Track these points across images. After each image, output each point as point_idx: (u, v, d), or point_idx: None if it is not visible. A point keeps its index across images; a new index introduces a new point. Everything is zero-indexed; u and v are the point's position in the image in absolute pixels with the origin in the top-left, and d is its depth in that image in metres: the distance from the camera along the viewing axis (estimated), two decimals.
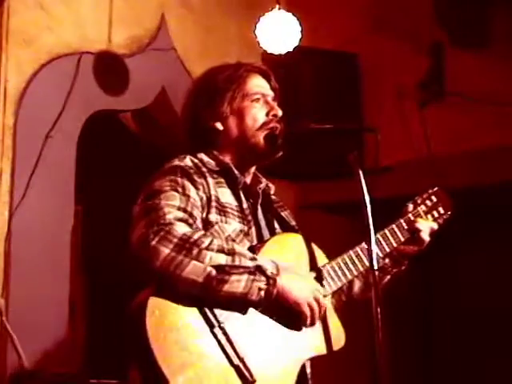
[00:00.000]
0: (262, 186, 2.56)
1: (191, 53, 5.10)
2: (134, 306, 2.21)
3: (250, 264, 2.23)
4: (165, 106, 4.96)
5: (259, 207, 2.53)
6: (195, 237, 2.19)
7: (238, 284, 2.19)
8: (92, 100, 4.52)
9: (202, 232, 2.25)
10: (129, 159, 5.65)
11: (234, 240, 2.35)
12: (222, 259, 2.19)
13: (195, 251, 2.17)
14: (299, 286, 2.30)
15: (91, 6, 4.58)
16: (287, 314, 2.31)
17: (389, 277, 2.69)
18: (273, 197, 2.64)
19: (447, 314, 6.10)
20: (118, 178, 5.59)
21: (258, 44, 5.00)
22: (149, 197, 2.31)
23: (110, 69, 4.62)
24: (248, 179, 2.54)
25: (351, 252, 2.51)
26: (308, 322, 2.32)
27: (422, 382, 6.10)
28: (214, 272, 2.17)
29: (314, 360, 2.43)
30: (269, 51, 5.05)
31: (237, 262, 2.21)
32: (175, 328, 2.18)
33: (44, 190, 4.20)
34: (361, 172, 2.34)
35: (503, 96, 5.09)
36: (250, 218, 2.44)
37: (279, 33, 4.94)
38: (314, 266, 2.46)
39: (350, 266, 2.49)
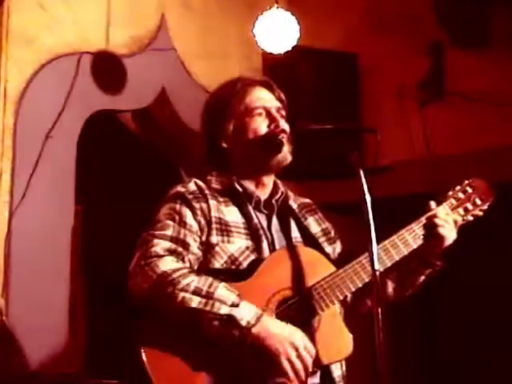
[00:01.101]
0: (278, 196, 2.54)
1: (191, 53, 5.10)
2: (132, 339, 2.26)
3: (224, 312, 2.20)
4: (165, 106, 4.96)
5: (275, 219, 2.51)
6: (174, 276, 2.22)
7: (208, 328, 2.20)
8: (92, 100, 4.52)
9: (186, 270, 2.26)
10: (128, 159, 5.65)
11: (236, 259, 2.35)
12: (195, 302, 2.20)
13: (169, 290, 2.20)
14: (281, 334, 2.23)
15: (91, 6, 4.58)
16: (267, 362, 2.25)
17: (423, 277, 2.62)
18: (304, 200, 2.64)
19: (450, 314, 6.09)
20: (117, 178, 5.59)
21: (257, 43, 4.99)
22: (150, 226, 2.37)
23: (109, 69, 4.62)
24: (263, 191, 2.53)
25: (361, 258, 2.44)
26: (290, 376, 2.23)
27: (424, 382, 6.10)
28: (183, 314, 2.20)
29: None
30: (267, 51, 5.03)
31: (208, 308, 2.20)
32: (169, 349, 2.20)
33: (44, 190, 4.19)
34: (361, 172, 2.34)
35: (503, 96, 5.09)
36: (260, 232, 2.43)
37: (277, 32, 4.92)
38: (316, 276, 2.41)
39: (360, 271, 2.43)
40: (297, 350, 2.23)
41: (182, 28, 5.07)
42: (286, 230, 2.51)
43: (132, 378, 2.25)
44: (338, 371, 2.42)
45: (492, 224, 5.55)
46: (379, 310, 2.20)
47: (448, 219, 2.56)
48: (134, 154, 5.57)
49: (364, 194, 2.31)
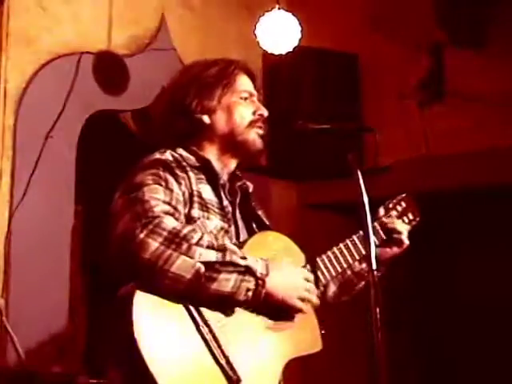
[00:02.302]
0: (241, 183, 2.54)
1: (191, 53, 5.09)
2: (119, 300, 2.20)
3: (241, 263, 2.20)
4: None
5: (237, 206, 2.51)
6: (185, 231, 2.15)
7: (226, 283, 2.16)
8: (92, 100, 4.52)
9: (191, 227, 2.21)
10: (129, 159, 5.64)
11: (215, 236, 2.32)
12: (213, 256, 2.15)
13: (185, 246, 2.12)
14: (286, 284, 2.29)
15: (91, 6, 4.59)
16: (277, 310, 2.30)
17: (363, 283, 2.68)
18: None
19: (447, 313, 6.10)
20: (117, 178, 5.59)
21: (258, 44, 5.00)
22: (131, 190, 2.28)
23: (109, 69, 4.63)
24: (226, 177, 2.52)
25: (347, 241, 2.53)
26: (304, 309, 2.33)
27: (422, 382, 6.10)
28: (202, 269, 2.13)
29: (312, 359, 2.42)
30: (269, 51, 5.05)
31: (227, 259, 2.17)
32: (161, 325, 2.15)
33: (44, 190, 4.20)
34: (359, 172, 2.34)
35: (503, 96, 5.09)
36: (229, 215, 2.43)
37: (279, 33, 4.94)
38: (299, 261, 2.46)
39: (346, 254, 2.52)
40: (303, 287, 2.32)
41: (182, 28, 5.08)
42: (247, 219, 2.52)
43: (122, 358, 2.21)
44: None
45: (492, 224, 5.57)
46: (377, 310, 2.21)
47: (403, 226, 2.68)
48: (134, 154, 5.56)
49: (361, 195, 2.31)
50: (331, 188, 5.45)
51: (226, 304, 2.21)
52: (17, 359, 3.78)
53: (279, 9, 4.97)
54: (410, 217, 2.76)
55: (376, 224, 2.65)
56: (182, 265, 2.11)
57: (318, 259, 2.51)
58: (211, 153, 2.49)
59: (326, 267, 2.51)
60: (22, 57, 4.23)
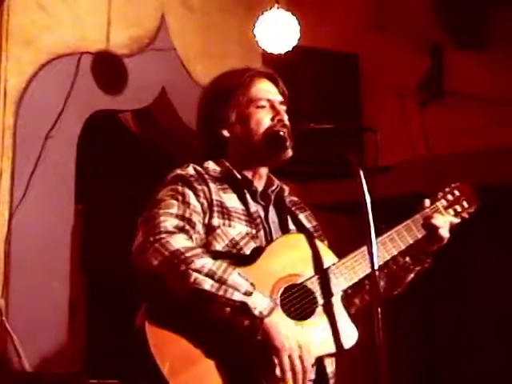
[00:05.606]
0: (274, 188, 2.55)
1: (191, 53, 5.10)
2: (136, 320, 2.23)
3: (237, 298, 2.16)
4: (165, 106, 4.96)
5: (272, 210, 2.52)
6: (188, 254, 2.17)
7: (221, 312, 2.16)
8: (92, 100, 4.52)
9: (199, 250, 2.22)
10: (128, 159, 5.66)
11: (237, 243, 2.34)
12: (207, 285, 2.15)
13: (182, 268, 2.15)
14: (288, 333, 2.21)
15: (91, 6, 4.59)
16: (264, 356, 2.20)
17: (412, 275, 2.64)
18: (293, 198, 2.64)
19: (449, 314, 6.10)
20: (117, 178, 5.60)
21: (258, 43, 5.00)
22: (150, 207, 2.33)
23: (109, 69, 4.63)
24: (259, 182, 2.53)
25: (363, 249, 2.44)
26: (287, 376, 2.17)
27: (423, 382, 6.10)
28: (194, 295, 2.15)
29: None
30: (268, 51, 5.04)
31: (221, 293, 2.15)
32: (175, 332, 2.17)
33: (44, 190, 4.20)
34: (361, 172, 2.34)
35: (502, 96, 5.09)
36: (258, 221, 2.43)
37: (278, 32, 4.93)
38: (319, 265, 2.42)
39: (362, 262, 2.44)
40: (300, 349, 2.20)
41: (182, 28, 5.07)
42: (282, 222, 2.52)
43: (135, 363, 2.24)
44: (330, 367, 2.40)
45: (492, 224, 5.56)
46: (379, 310, 2.21)
47: (445, 220, 2.61)
48: (133, 154, 5.57)
49: (364, 195, 2.31)
50: (331, 188, 5.45)
51: (224, 331, 2.18)
52: (17, 359, 3.78)
53: (278, 8, 4.97)
54: (465, 205, 2.67)
55: (418, 216, 2.58)
56: (176, 287, 2.15)
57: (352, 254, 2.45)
58: (237, 162, 2.50)
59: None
60: (22, 57, 4.23)
